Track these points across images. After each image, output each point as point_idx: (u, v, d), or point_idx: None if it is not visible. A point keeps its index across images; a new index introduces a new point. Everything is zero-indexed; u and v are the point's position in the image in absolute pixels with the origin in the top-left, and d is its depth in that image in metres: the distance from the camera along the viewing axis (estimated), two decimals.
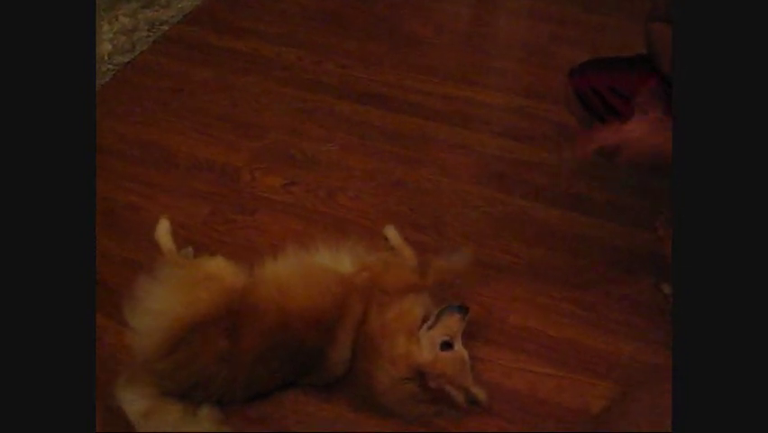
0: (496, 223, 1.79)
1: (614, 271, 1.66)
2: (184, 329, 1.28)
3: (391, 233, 1.60)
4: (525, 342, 1.51)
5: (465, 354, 1.31)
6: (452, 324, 1.31)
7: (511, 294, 1.61)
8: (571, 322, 1.56)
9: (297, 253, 1.45)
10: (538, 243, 1.74)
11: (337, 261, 1.43)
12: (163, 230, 1.54)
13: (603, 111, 1.62)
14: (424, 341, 1.29)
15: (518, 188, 1.90)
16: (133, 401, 1.29)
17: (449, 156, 2.01)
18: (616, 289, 1.62)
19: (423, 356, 1.26)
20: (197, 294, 1.34)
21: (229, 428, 1.31)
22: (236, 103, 2.19)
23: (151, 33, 2.51)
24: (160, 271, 1.39)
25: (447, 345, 1.29)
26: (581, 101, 1.67)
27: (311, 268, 1.39)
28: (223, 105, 2.18)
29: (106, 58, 2.35)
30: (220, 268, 1.42)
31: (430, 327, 1.32)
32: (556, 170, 1.95)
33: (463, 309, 1.34)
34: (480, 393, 1.29)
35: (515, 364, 1.47)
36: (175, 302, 1.33)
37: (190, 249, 1.66)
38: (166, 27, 2.55)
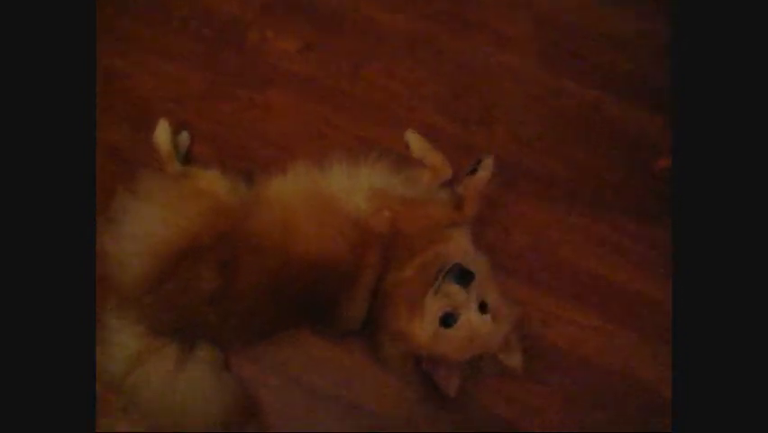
0: (559, 121, 1.45)
1: None
2: (169, 259, 1.08)
3: (414, 140, 1.31)
4: (574, 285, 1.29)
5: (479, 324, 1.03)
6: (453, 293, 1.03)
7: (565, 222, 1.34)
8: (627, 263, 1.31)
9: (308, 172, 1.18)
10: (605, 152, 1.42)
11: (354, 187, 1.15)
12: (163, 134, 1.30)
13: None
14: (427, 310, 1.04)
15: (593, 75, 1.50)
16: (122, 331, 1.14)
17: (509, 21, 1.58)
18: None
19: (421, 334, 1.03)
20: (185, 210, 1.12)
21: (228, 371, 1.17)
22: None
23: None
24: (142, 186, 1.15)
25: (449, 319, 1.03)
26: None
27: (323, 203, 1.12)
28: None
29: None
30: (214, 183, 1.18)
31: (436, 291, 1.04)
32: (643, 56, 1.54)
33: (466, 276, 1.02)
34: (514, 361, 1.09)
35: (558, 312, 1.26)
36: (158, 223, 1.12)
37: (185, 134, 1.39)
38: None
